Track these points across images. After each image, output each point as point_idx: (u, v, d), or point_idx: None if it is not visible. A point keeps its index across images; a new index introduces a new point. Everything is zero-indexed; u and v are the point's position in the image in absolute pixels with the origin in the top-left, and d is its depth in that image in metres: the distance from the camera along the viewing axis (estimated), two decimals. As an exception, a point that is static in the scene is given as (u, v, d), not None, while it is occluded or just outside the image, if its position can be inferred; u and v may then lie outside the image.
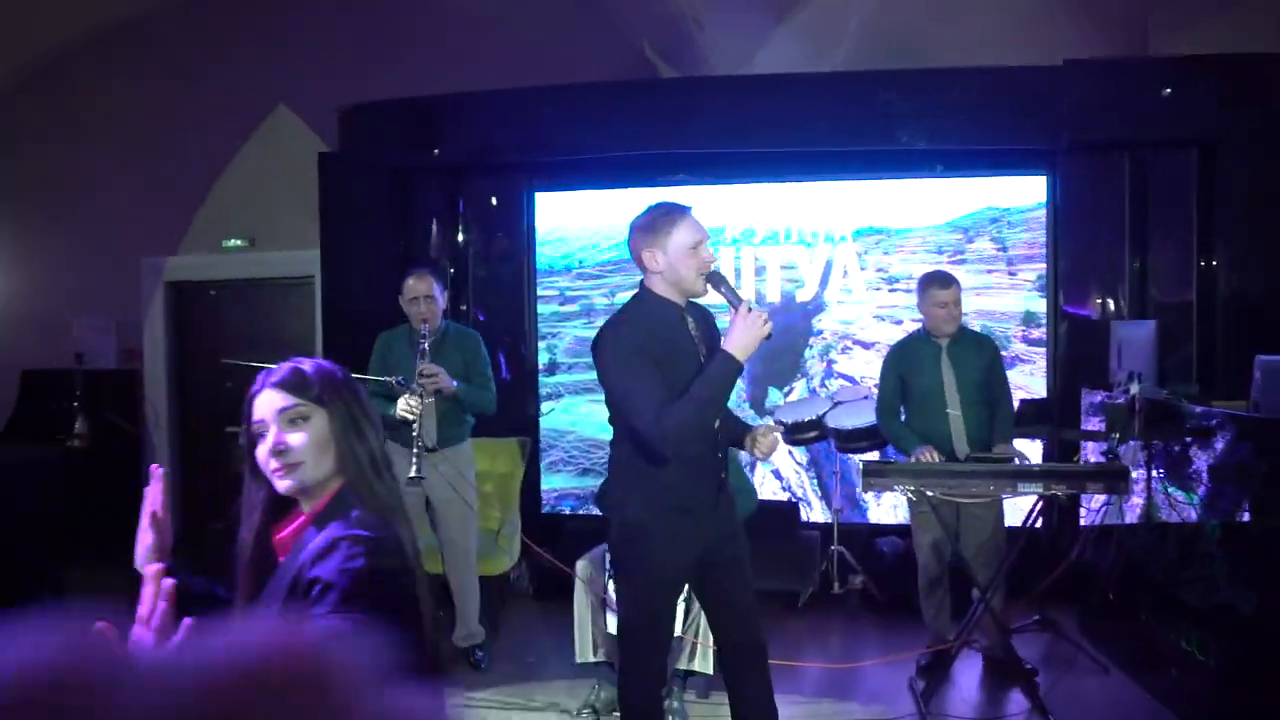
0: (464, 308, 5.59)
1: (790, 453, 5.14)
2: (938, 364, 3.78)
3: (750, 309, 2.40)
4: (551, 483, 5.53)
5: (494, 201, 5.48)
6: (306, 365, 1.54)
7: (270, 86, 6.73)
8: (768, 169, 5.17)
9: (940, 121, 4.79)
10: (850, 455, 4.62)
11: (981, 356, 3.80)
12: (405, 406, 3.67)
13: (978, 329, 4.33)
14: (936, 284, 3.77)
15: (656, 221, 2.48)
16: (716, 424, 2.53)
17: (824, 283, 5.17)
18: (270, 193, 6.71)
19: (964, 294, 3.85)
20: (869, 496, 4.94)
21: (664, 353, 2.43)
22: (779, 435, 2.66)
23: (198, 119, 6.86)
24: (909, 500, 3.53)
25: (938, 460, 3.50)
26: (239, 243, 6.82)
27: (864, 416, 4.44)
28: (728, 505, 2.62)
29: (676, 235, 2.46)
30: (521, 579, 5.03)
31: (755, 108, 4.92)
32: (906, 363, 3.89)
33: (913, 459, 3.55)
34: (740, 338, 2.38)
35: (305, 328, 6.54)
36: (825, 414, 4.62)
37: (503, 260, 5.48)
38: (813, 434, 4.68)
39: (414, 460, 3.59)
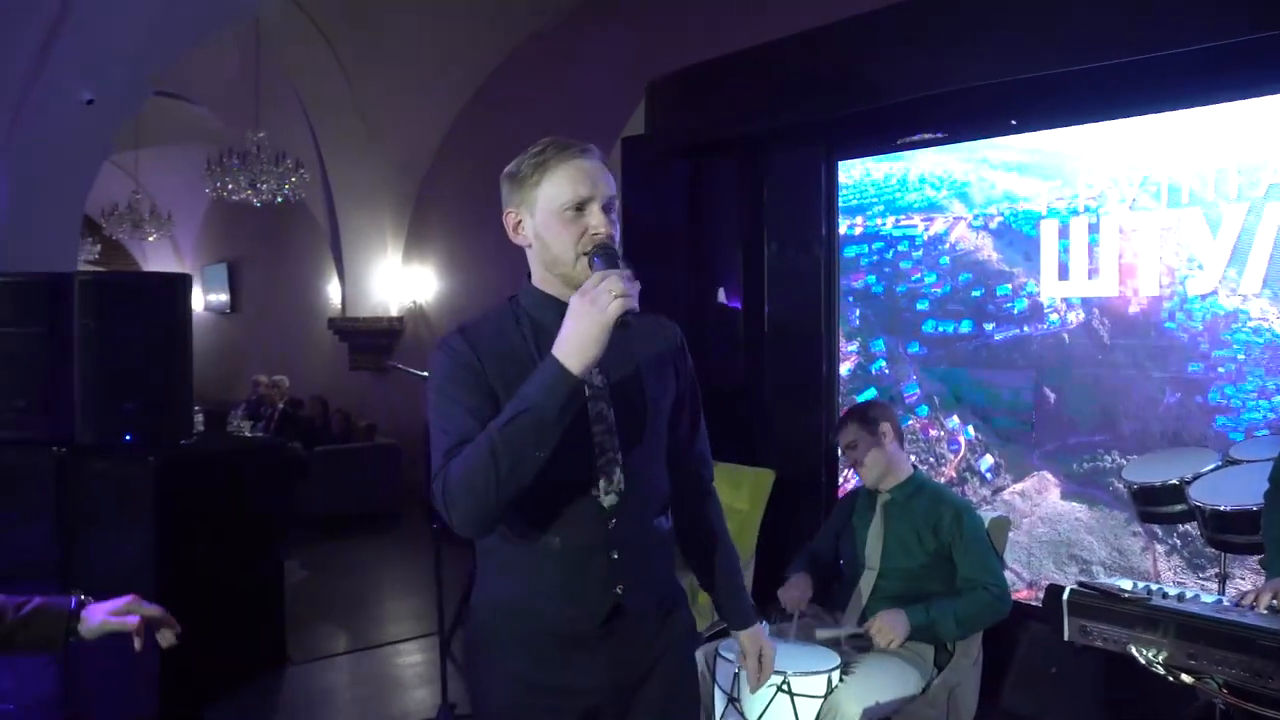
0: (763, 308, 4.72)
1: (1155, 531, 3.33)
2: None
3: (605, 278, 1.35)
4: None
5: (788, 174, 4.51)
6: None
7: (638, 79, 6.57)
8: (1147, 94, 3.35)
9: None
10: (1227, 552, 2.78)
11: None
12: None
13: None
14: None
15: (522, 167, 1.54)
16: (606, 500, 1.49)
17: (1239, 263, 3.20)
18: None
19: None
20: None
21: (513, 377, 1.45)
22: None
23: (586, 112, 7.00)
24: None
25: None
26: (609, 240, 6.79)
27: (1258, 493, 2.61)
28: (633, 639, 1.56)
29: (546, 188, 1.51)
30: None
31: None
32: None
33: (1252, 597, 1.87)
34: (571, 329, 1.35)
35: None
36: (1197, 479, 2.84)
37: (799, 245, 4.48)
38: (1176, 508, 2.92)
39: None
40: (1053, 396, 3.67)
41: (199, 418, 7.27)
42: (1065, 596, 1.84)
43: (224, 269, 11.63)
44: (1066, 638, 1.84)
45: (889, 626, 2.55)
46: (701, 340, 4.86)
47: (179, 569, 3.47)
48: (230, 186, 6.49)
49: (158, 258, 11.98)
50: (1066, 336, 3.62)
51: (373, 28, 7.30)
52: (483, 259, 8.07)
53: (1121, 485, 3.21)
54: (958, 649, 2.67)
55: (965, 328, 3.95)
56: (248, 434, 6.57)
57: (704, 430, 1.73)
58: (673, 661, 1.63)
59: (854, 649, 2.64)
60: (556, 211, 1.50)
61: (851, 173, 4.38)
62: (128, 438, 3.58)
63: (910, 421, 4.06)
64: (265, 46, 6.90)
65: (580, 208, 1.49)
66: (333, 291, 9.49)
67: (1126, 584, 1.90)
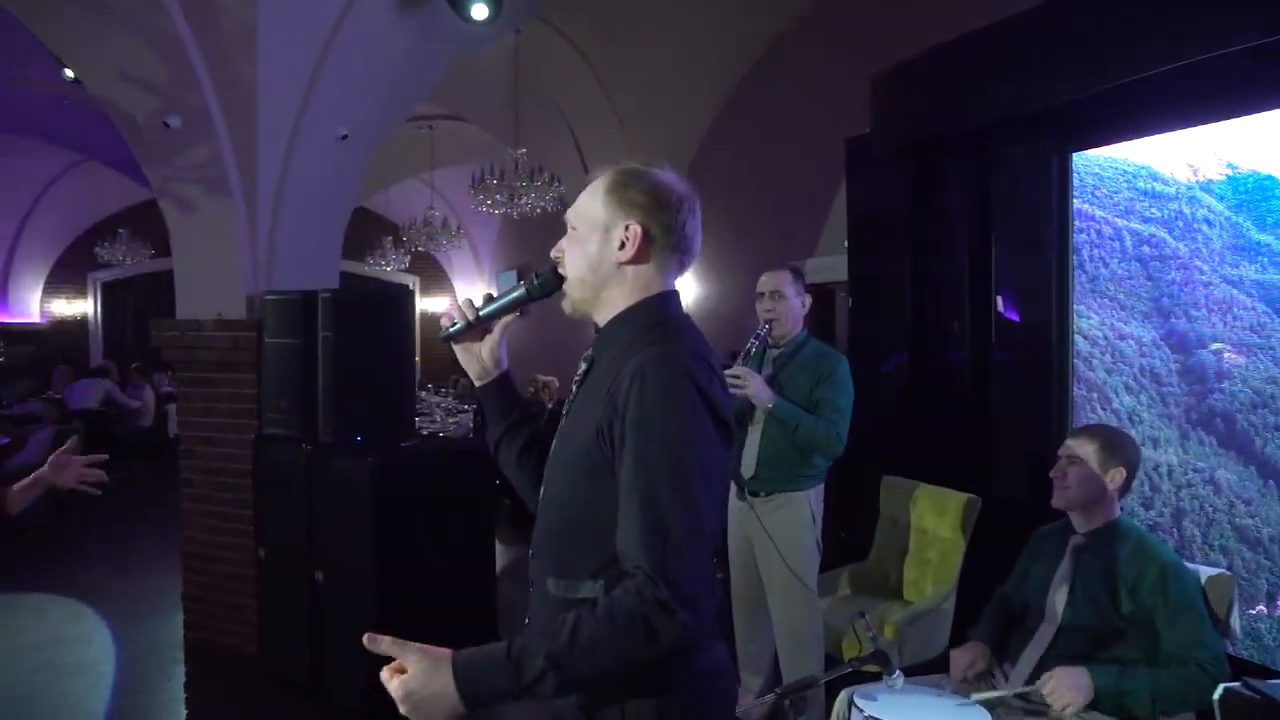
0: (990, 316, 4.26)
1: None
2: None
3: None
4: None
5: (1017, 168, 4.01)
6: None
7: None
8: None
9: None
10: None
11: None
12: None
13: None
14: None
15: None
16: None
17: None
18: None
19: None
20: None
21: None
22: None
23: (834, 111, 6.72)
24: None
25: None
26: (854, 241, 6.49)
27: None
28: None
29: None
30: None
31: None
32: None
33: None
34: None
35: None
36: None
37: (1029, 247, 3.97)
38: None
39: None
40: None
41: (471, 418, 7.96)
42: (1217, 696, 1.47)
43: (514, 275, 12.63)
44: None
45: (1067, 686, 2.19)
46: (925, 351, 4.50)
47: (395, 560, 3.80)
48: (491, 200, 7.03)
49: (460, 264, 13.26)
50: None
51: (625, 40, 7.54)
52: (740, 263, 8.06)
53: None
54: (1154, 731, 2.24)
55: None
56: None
57: (637, 506, 1.29)
58: None
59: (1018, 709, 2.30)
60: None
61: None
62: (358, 438, 4.00)
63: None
64: (525, 67, 7.37)
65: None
66: (598, 295, 9.95)
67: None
